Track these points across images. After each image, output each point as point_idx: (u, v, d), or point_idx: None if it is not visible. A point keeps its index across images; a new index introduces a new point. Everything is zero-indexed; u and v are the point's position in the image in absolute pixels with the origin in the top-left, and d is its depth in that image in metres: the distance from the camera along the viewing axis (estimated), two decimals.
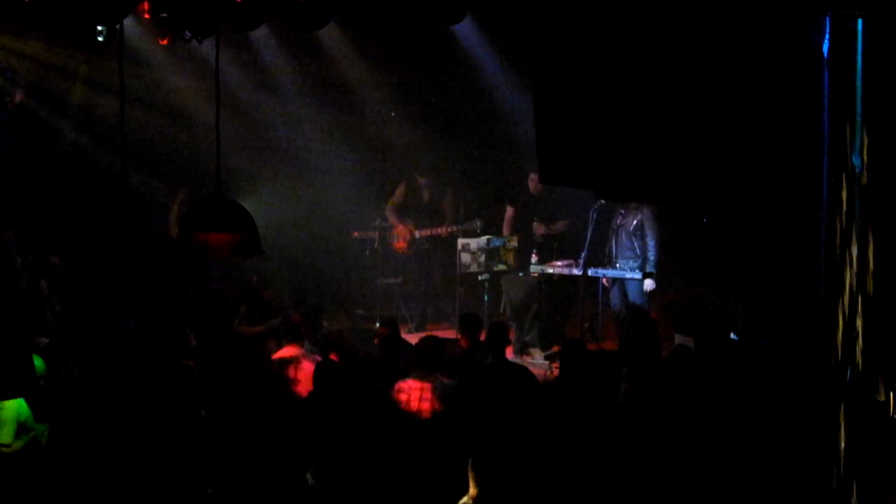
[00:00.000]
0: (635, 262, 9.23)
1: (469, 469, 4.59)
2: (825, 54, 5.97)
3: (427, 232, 10.85)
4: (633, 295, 9.31)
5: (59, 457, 5.63)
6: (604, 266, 9.39)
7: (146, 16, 9.58)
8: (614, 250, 9.34)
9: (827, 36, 5.87)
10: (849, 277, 5.45)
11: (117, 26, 8.21)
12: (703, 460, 5.79)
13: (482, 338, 7.64)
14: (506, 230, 10.46)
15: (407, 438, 5.93)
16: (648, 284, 9.23)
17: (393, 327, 7.87)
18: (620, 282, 9.35)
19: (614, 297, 9.43)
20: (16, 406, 6.02)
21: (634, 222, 9.22)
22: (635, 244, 9.22)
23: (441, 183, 10.99)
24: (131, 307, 8.25)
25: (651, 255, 9.19)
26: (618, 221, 9.34)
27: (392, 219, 11.07)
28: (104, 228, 10.18)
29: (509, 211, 10.56)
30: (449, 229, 10.65)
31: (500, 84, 11.31)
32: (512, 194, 10.69)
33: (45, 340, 7.11)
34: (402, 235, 10.99)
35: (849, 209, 5.69)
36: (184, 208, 10.36)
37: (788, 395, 7.75)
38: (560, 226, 10.43)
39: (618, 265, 9.27)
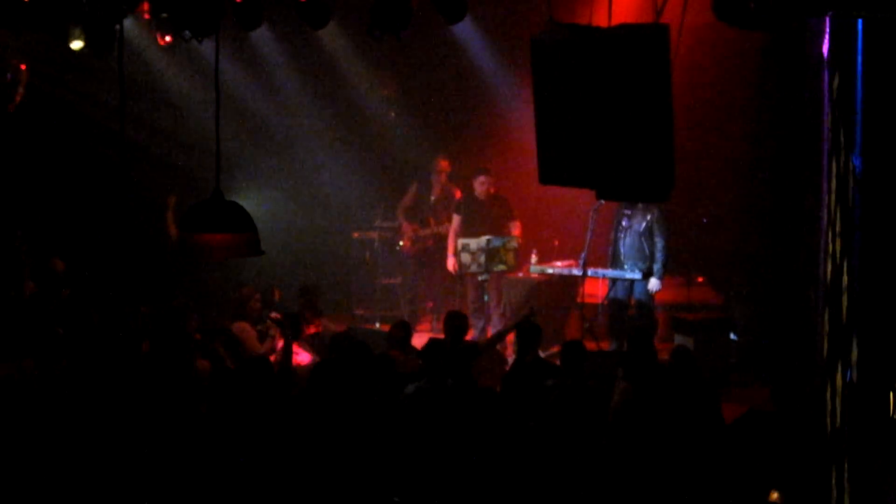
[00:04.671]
0: (644, 263, 9.22)
1: None
2: (825, 54, 5.97)
3: (429, 231, 10.85)
4: (639, 293, 9.31)
5: (57, 455, 5.63)
6: (605, 266, 9.39)
7: (146, 16, 9.60)
8: (622, 251, 9.31)
9: (827, 36, 5.87)
10: (848, 277, 5.44)
11: (117, 26, 8.21)
12: (701, 461, 5.79)
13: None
14: (451, 239, 10.28)
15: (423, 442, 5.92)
16: (654, 285, 9.24)
17: (406, 330, 7.81)
18: (625, 279, 9.34)
19: (620, 290, 9.40)
20: None
21: (644, 224, 9.20)
22: (644, 245, 9.21)
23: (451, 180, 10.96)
24: (132, 306, 8.25)
25: (660, 256, 9.18)
26: (624, 223, 9.31)
27: (401, 218, 11.08)
28: (104, 228, 10.18)
29: (455, 220, 10.41)
30: (448, 228, 10.64)
31: (500, 83, 11.32)
32: (459, 202, 10.49)
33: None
34: (407, 235, 11.01)
35: (848, 209, 5.69)
36: (177, 212, 10.36)
37: (788, 395, 7.75)
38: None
39: (626, 266, 9.26)
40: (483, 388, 6.33)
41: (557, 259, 10.13)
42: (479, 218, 10.20)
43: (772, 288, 8.90)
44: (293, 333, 7.73)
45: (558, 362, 7.42)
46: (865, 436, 4.80)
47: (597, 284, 9.82)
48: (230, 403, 5.88)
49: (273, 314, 8.75)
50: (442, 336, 7.82)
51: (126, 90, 6.35)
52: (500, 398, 6.79)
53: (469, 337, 8.45)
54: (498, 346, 9.12)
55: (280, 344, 8.23)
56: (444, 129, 11.81)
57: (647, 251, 9.23)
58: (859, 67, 4.95)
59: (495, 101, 11.50)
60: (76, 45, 8.81)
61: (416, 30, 8.65)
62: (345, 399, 6.04)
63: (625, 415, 6.24)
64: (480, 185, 10.19)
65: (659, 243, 9.20)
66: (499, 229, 10.03)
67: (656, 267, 9.21)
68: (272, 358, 7.83)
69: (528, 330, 7.40)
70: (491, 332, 9.27)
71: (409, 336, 7.72)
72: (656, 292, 9.33)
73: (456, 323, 7.91)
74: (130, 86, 10.37)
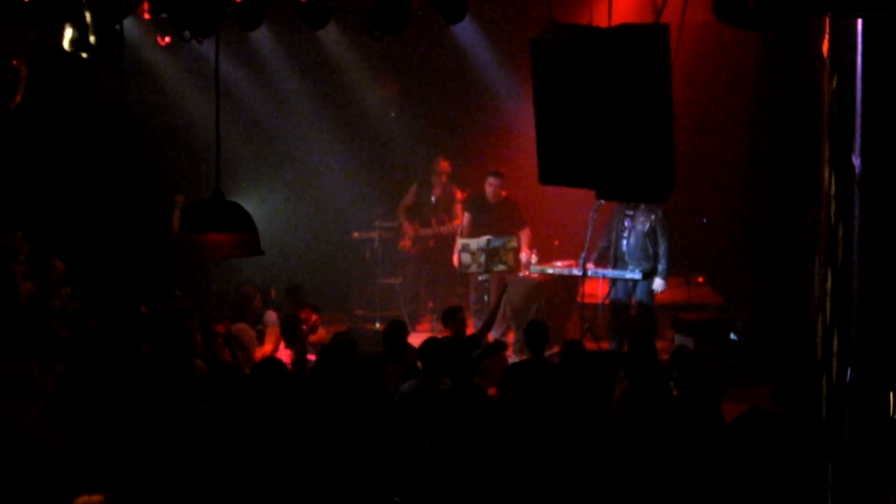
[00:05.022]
0: (648, 263, 9.21)
1: None
2: (825, 54, 5.97)
3: (430, 231, 10.86)
4: (641, 294, 9.30)
5: (56, 454, 5.63)
6: (606, 266, 9.39)
7: (146, 16, 9.59)
8: (625, 252, 9.30)
9: (827, 36, 5.87)
10: (848, 276, 5.44)
11: (117, 26, 8.21)
12: (701, 460, 5.79)
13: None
14: (461, 236, 10.29)
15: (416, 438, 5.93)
16: (659, 285, 9.24)
17: (399, 327, 7.83)
18: (626, 280, 9.34)
19: (621, 290, 9.41)
20: None
21: (648, 225, 9.20)
22: (648, 246, 9.21)
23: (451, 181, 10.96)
24: (132, 307, 8.24)
25: (664, 257, 9.19)
26: (626, 223, 9.31)
27: (401, 218, 11.09)
28: (103, 228, 10.16)
29: (466, 217, 10.45)
30: (450, 228, 10.65)
31: (500, 83, 11.33)
32: (470, 200, 10.55)
33: None
34: (408, 235, 11.01)
35: (848, 209, 5.68)
36: (184, 211, 10.36)
37: (788, 395, 7.74)
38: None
39: (629, 267, 9.25)
40: (478, 386, 6.34)
41: (557, 259, 10.13)
42: (487, 220, 10.21)
43: (772, 288, 8.90)
44: (293, 336, 7.74)
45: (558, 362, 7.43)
46: (865, 436, 4.80)
47: (597, 284, 9.82)
48: (238, 405, 5.89)
49: (270, 313, 8.76)
50: (441, 336, 7.83)
51: (126, 90, 6.33)
52: (498, 396, 6.79)
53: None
54: None
55: (280, 344, 8.25)
56: (444, 129, 11.81)
57: (650, 252, 9.23)
58: (859, 67, 4.96)
59: (495, 101, 11.51)
60: (67, 42, 8.74)
61: (416, 30, 8.66)
62: (339, 399, 6.06)
63: (625, 415, 6.24)
64: (489, 187, 10.21)
65: (663, 244, 9.21)
66: (507, 234, 10.02)
67: (661, 268, 9.21)
68: (284, 357, 7.83)
69: (537, 329, 7.43)
70: (492, 333, 9.27)
71: (403, 335, 7.71)
72: (660, 293, 9.34)
73: (458, 317, 7.93)
74: (130, 86, 10.42)
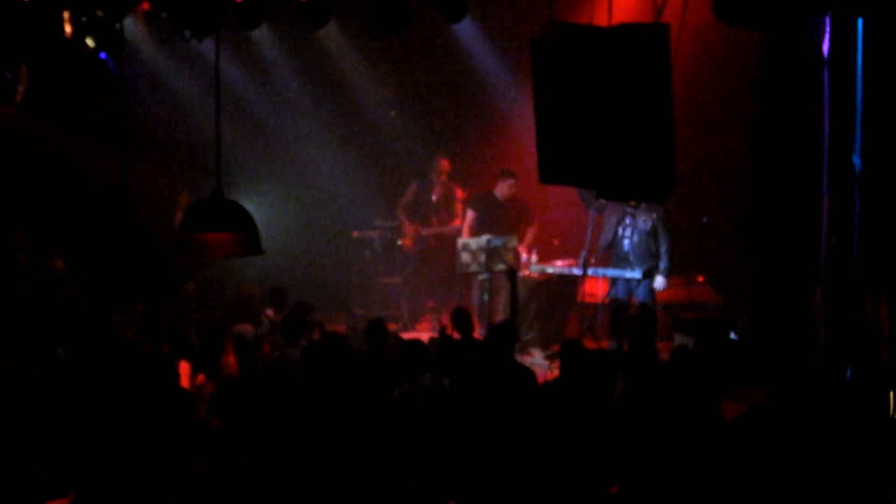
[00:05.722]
0: (651, 261, 9.21)
1: None
2: (825, 54, 5.98)
3: (432, 231, 10.85)
4: (642, 294, 9.30)
5: (56, 453, 5.63)
6: (606, 266, 9.38)
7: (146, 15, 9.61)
8: (628, 251, 9.28)
9: (827, 36, 5.87)
10: (848, 276, 5.45)
11: (117, 26, 8.21)
12: (701, 460, 5.79)
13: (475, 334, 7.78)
14: (465, 234, 10.26)
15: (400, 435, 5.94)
16: (661, 283, 9.24)
17: (379, 323, 7.83)
18: (627, 279, 9.34)
19: (621, 290, 9.40)
20: None
21: (650, 223, 9.20)
22: (651, 244, 9.22)
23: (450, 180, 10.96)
24: (128, 305, 8.24)
25: (666, 255, 9.19)
26: (627, 221, 9.30)
27: (401, 217, 11.07)
28: (104, 228, 10.17)
29: (470, 215, 10.45)
30: (452, 228, 10.64)
31: (500, 83, 11.32)
32: (475, 198, 10.57)
33: None
34: (409, 234, 11.00)
35: (848, 208, 5.69)
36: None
37: (788, 395, 7.75)
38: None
39: (635, 266, 9.23)
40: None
41: (557, 259, 10.12)
42: (494, 218, 10.19)
43: (772, 288, 8.89)
44: (293, 338, 7.74)
45: (558, 362, 7.43)
46: (865, 436, 4.81)
47: (597, 284, 9.81)
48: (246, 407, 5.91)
49: (269, 312, 8.75)
50: (438, 335, 7.84)
51: (126, 89, 6.34)
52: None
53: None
54: None
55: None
56: (444, 128, 11.80)
57: (653, 250, 9.24)
58: (859, 67, 4.97)
59: (495, 101, 11.49)
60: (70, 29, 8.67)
61: (416, 29, 8.67)
62: (335, 401, 6.07)
63: (624, 414, 6.24)
64: (509, 189, 10.18)
65: (666, 242, 9.21)
66: (513, 233, 10.01)
67: (663, 265, 9.22)
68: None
69: (504, 329, 7.41)
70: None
71: (385, 334, 7.71)
72: (660, 291, 9.34)
73: (466, 320, 7.93)
74: (131, 85, 10.43)
